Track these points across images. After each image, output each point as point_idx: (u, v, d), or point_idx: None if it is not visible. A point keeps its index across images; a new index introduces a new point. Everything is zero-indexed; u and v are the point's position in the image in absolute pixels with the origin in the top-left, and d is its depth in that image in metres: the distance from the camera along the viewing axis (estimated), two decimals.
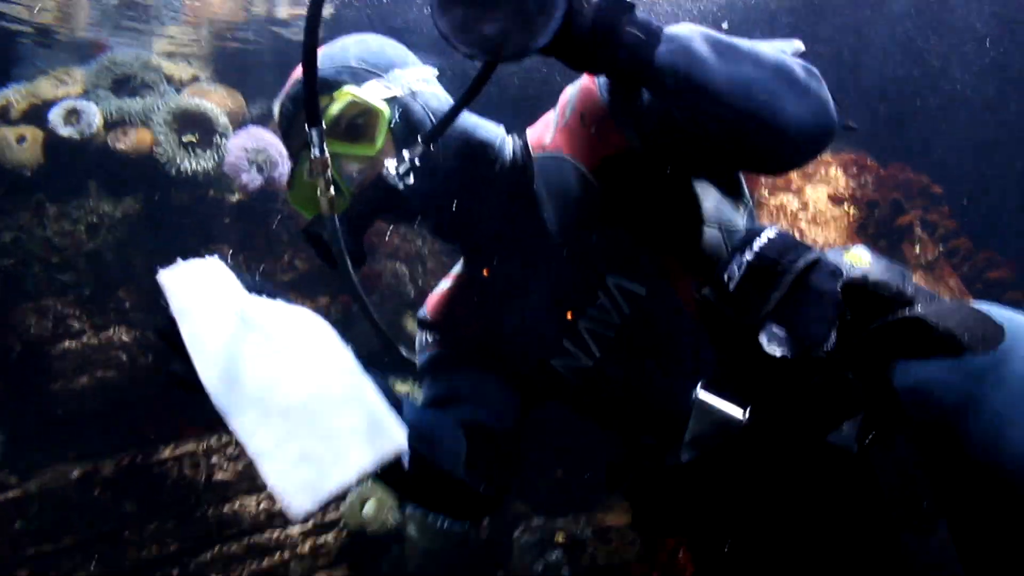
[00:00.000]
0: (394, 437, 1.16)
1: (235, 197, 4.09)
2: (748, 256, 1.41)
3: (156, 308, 1.19)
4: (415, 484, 1.50)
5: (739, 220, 1.57)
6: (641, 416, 1.56)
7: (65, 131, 3.82)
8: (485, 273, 1.65)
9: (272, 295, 1.24)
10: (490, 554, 4.20)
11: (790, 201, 3.84)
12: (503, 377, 1.66)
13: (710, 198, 1.54)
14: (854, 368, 1.31)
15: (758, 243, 1.42)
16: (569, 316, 1.55)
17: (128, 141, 3.89)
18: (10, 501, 3.64)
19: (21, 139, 3.81)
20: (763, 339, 1.34)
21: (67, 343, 3.85)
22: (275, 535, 4.00)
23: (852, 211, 3.89)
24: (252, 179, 3.98)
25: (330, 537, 4.07)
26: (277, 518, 4.04)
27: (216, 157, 3.99)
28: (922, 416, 1.33)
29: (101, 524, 3.73)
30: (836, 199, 3.90)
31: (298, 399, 1.14)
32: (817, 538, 1.43)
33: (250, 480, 4.05)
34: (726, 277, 1.41)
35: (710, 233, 1.51)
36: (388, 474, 1.22)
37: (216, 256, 1.24)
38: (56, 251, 3.83)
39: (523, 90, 3.90)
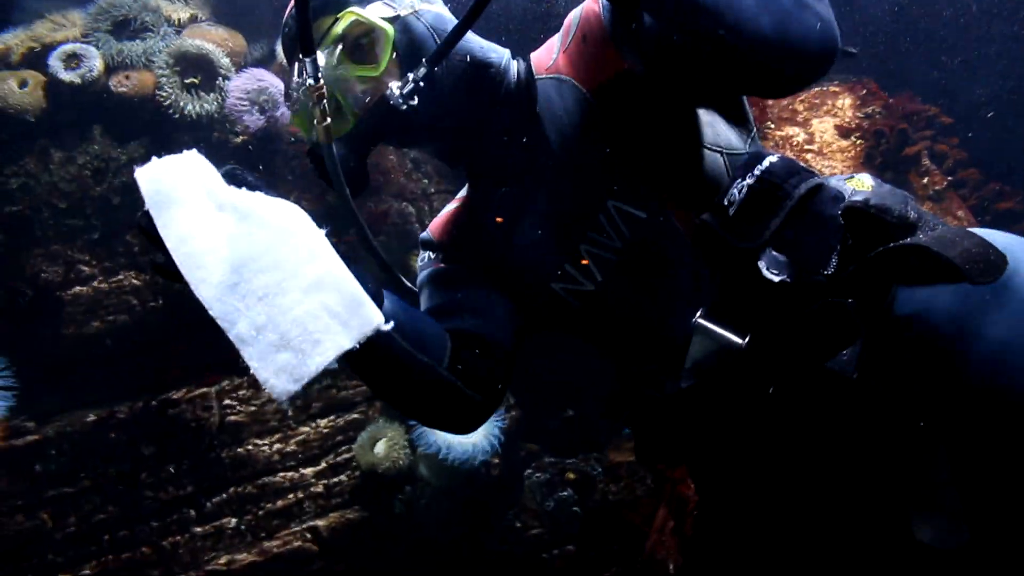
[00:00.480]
0: (370, 317, 1.17)
1: (238, 138, 4.05)
2: (749, 180, 1.39)
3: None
4: (395, 377, 1.47)
5: (743, 146, 1.54)
6: (642, 343, 1.54)
7: (66, 76, 3.79)
8: (488, 196, 1.63)
9: (251, 186, 1.24)
10: (501, 493, 4.23)
11: (796, 133, 3.81)
12: (506, 298, 1.64)
13: (712, 123, 1.52)
14: (854, 294, 1.29)
15: (760, 168, 1.40)
16: (570, 239, 1.52)
17: (130, 84, 3.86)
18: (29, 445, 3.68)
19: (23, 84, 3.79)
20: (762, 264, 1.32)
21: (77, 288, 3.86)
22: (289, 476, 4.02)
23: (859, 142, 3.85)
24: (254, 120, 3.97)
25: (343, 477, 4.08)
26: (290, 459, 4.05)
27: (219, 99, 3.97)
28: (922, 343, 1.30)
29: (118, 466, 3.77)
30: (843, 130, 3.86)
31: (275, 283, 1.15)
32: (817, 463, 1.42)
33: (263, 422, 4.06)
34: (726, 202, 1.39)
35: (711, 158, 1.49)
36: (367, 362, 1.23)
37: (194, 150, 1.26)
38: (63, 196, 3.82)
39: (527, 14, 3.86)
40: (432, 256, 1.73)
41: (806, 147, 3.76)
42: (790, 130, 3.77)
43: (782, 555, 1.58)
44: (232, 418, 4.00)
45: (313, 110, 1.42)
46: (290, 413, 4.11)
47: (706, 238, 1.41)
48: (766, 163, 1.41)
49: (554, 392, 4.54)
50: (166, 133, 3.98)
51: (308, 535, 3.96)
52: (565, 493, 4.21)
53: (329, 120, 1.42)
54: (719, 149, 1.51)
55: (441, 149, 1.63)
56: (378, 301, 1.34)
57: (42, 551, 3.64)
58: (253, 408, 4.06)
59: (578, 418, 4.52)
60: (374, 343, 1.20)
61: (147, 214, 1.20)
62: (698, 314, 1.40)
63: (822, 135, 3.79)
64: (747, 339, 1.36)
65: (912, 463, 1.31)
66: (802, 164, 1.49)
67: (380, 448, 4.03)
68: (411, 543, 4.06)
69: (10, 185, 3.74)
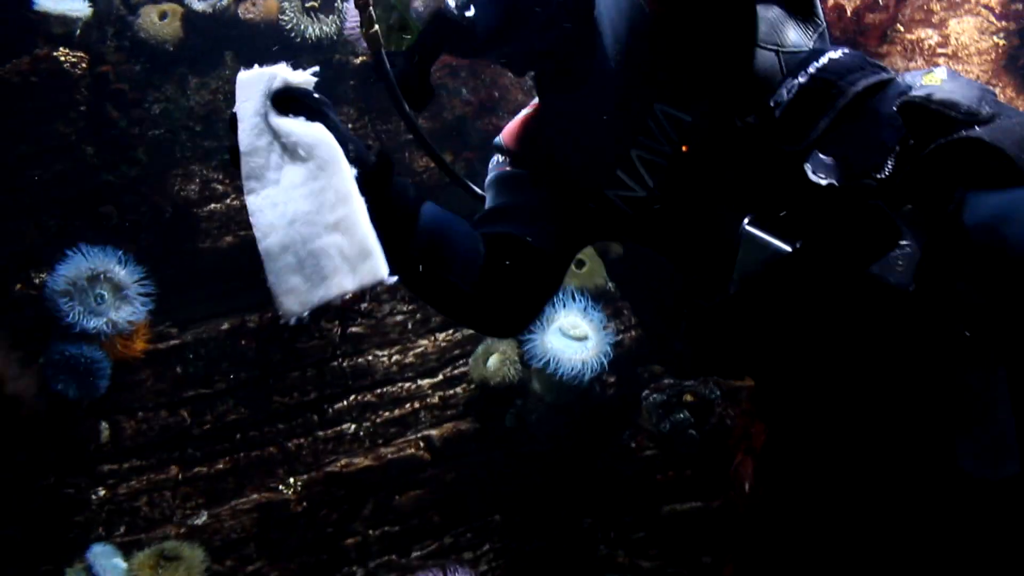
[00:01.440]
0: (376, 270, 1.23)
1: (358, 60, 4.15)
2: (801, 79, 1.33)
3: None
4: (426, 296, 1.58)
5: (805, 44, 1.47)
6: (695, 251, 1.54)
7: (199, 5, 4.04)
8: (551, 103, 1.63)
9: (307, 109, 1.30)
10: (617, 412, 4.21)
11: (928, 36, 3.48)
12: (563, 204, 1.66)
13: (771, 20, 1.46)
14: (910, 198, 1.24)
15: (815, 65, 1.34)
16: (621, 144, 1.51)
17: (256, 11, 4.05)
18: (171, 348, 4.00)
19: (163, 16, 4.06)
20: (808, 168, 1.29)
21: (213, 205, 4.12)
22: (406, 387, 4.17)
23: (1002, 43, 3.48)
24: None
25: (459, 389, 4.19)
26: (408, 370, 4.19)
27: (337, 22, 4.07)
28: (992, 255, 1.20)
29: (249, 371, 4.03)
30: (984, 30, 3.50)
31: (305, 213, 1.23)
32: (865, 376, 1.37)
33: (383, 334, 4.21)
34: (773, 102, 1.34)
35: (764, 56, 1.43)
36: (398, 275, 1.28)
37: (283, 63, 1.34)
38: (199, 119, 4.09)
39: None
40: (501, 160, 1.76)
41: (939, 51, 3.43)
42: (922, 32, 3.45)
43: (832, 471, 1.56)
44: (354, 329, 4.16)
45: (378, 23, 1.46)
46: (410, 326, 4.24)
47: (751, 141, 1.37)
48: (824, 59, 1.35)
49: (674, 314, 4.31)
50: (291, 56, 4.05)
51: (422, 443, 4.09)
52: (682, 415, 4.11)
53: (389, 32, 1.47)
54: (774, 47, 1.44)
55: (503, 58, 1.63)
56: (415, 207, 1.42)
57: (183, 445, 3.95)
58: (374, 321, 4.21)
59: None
60: (401, 271, 1.27)
61: (233, 116, 1.31)
62: (745, 221, 1.36)
63: (958, 36, 3.44)
64: (795, 246, 1.31)
65: (967, 382, 1.23)
66: (873, 60, 1.40)
67: (493, 362, 4.10)
68: (521, 456, 4.13)
69: (153, 110, 4.03)
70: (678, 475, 4.15)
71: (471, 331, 4.22)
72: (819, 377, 1.43)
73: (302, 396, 4.07)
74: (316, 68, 1.34)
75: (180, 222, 4.06)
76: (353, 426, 4.09)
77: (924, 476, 1.40)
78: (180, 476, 3.90)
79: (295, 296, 1.21)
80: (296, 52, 4.11)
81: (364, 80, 4.15)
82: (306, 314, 1.22)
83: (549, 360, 3.93)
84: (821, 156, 1.29)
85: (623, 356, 4.17)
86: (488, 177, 1.78)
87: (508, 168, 1.74)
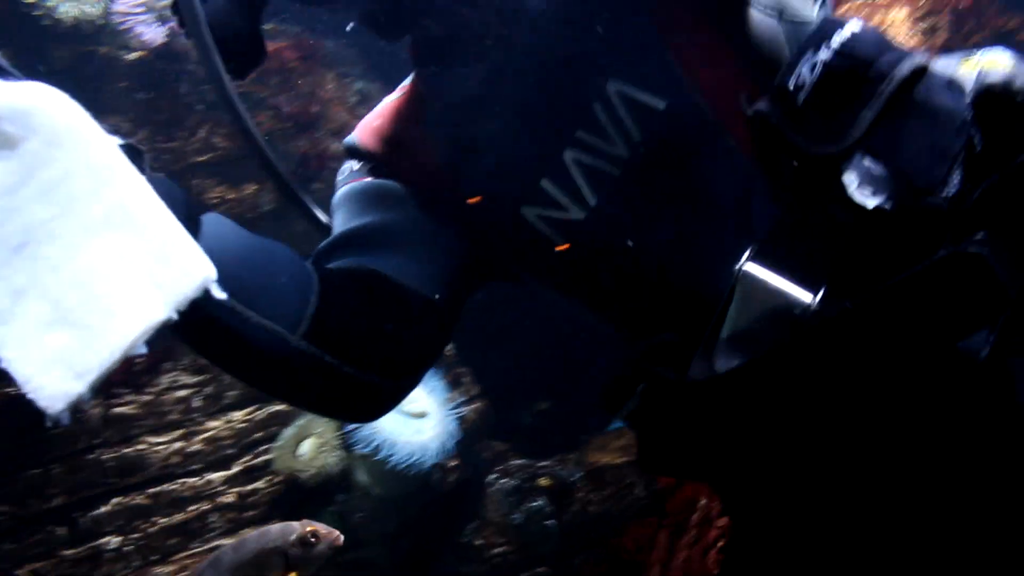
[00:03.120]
0: (193, 268, 0.89)
1: (132, 55, 3.41)
2: (824, 55, 1.13)
3: None
4: (230, 353, 1.21)
5: (808, 10, 1.30)
6: (655, 299, 1.33)
7: None
8: (438, 82, 1.40)
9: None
10: (459, 503, 3.81)
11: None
12: (451, 230, 1.40)
13: None
14: (990, 226, 1.02)
15: (840, 38, 1.14)
16: (551, 143, 1.30)
17: None
18: None
19: None
20: (849, 178, 1.09)
21: None
22: (191, 483, 3.45)
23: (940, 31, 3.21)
24: (152, 32, 3.36)
25: (261, 484, 3.53)
26: (194, 461, 3.47)
27: (104, 1, 3.34)
28: None
29: None
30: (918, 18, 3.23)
31: (40, 224, 0.86)
32: (921, 484, 1.17)
33: (158, 416, 3.46)
34: (792, 84, 1.14)
35: (764, 22, 1.26)
36: (193, 334, 1.01)
37: None
38: None
39: None
40: (357, 168, 1.46)
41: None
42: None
43: None
44: (119, 408, 3.39)
45: None
46: (196, 403, 3.51)
47: (762, 137, 1.16)
48: (846, 32, 1.14)
49: (527, 379, 4.06)
50: (35, 44, 3.30)
51: None
52: (537, 503, 3.74)
53: None
54: (773, 12, 1.26)
55: (369, 12, 1.34)
56: (196, 228, 1.10)
57: None
58: (148, 397, 3.46)
59: (556, 412, 4.05)
60: (197, 306, 0.93)
61: None
62: (744, 256, 1.17)
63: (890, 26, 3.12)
64: (819, 295, 1.13)
65: None
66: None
67: (307, 448, 3.48)
68: (345, 565, 3.53)
69: None
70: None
71: (276, 408, 3.60)
72: (851, 483, 1.21)
73: (43, 503, 3.25)
74: None
75: None
76: (116, 539, 3.32)
77: None
78: None
79: (63, 366, 0.82)
80: (44, 39, 3.30)
81: (141, 81, 3.41)
82: (87, 396, 0.83)
83: (380, 444, 3.40)
84: (867, 162, 1.07)
85: (465, 434, 3.71)
86: (337, 194, 1.45)
87: (368, 178, 1.43)
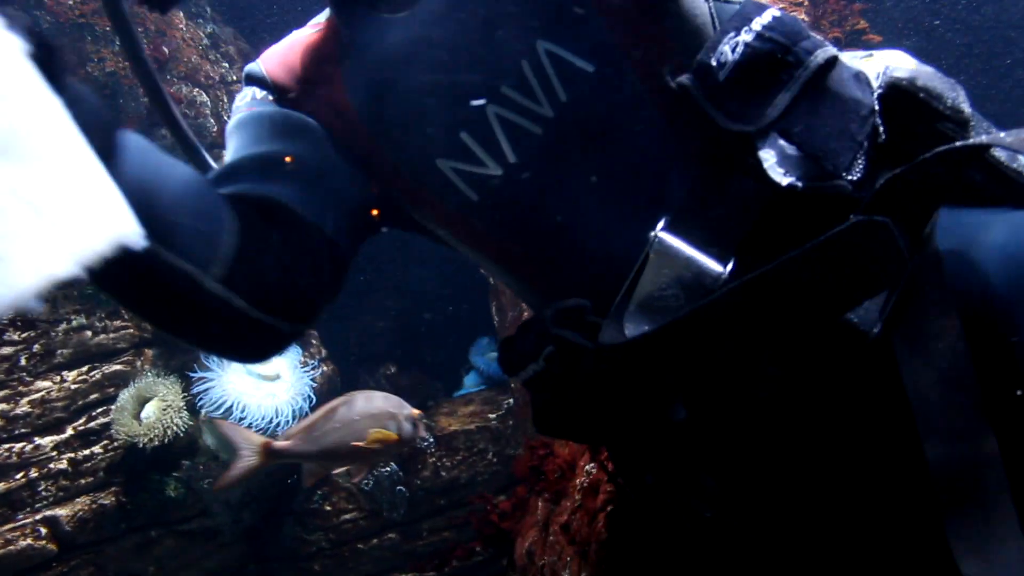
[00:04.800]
0: (113, 224, 0.77)
1: None
2: (747, 36, 1.15)
3: None
4: (137, 293, 1.12)
5: None
6: (568, 262, 1.29)
7: None
8: (360, 23, 1.32)
9: None
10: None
11: None
12: (357, 172, 1.32)
13: None
14: (889, 211, 1.03)
15: (760, 21, 1.17)
16: (473, 94, 1.25)
17: None
18: None
19: None
20: (765, 155, 1.11)
21: None
22: (17, 448, 3.14)
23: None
24: None
25: (97, 449, 3.24)
26: (20, 424, 3.14)
27: None
28: (973, 292, 1.06)
29: None
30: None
31: None
32: (820, 456, 1.18)
33: None
34: (715, 61, 1.16)
35: (693, 2, 1.25)
36: (98, 275, 0.81)
37: None
38: None
39: None
40: (260, 96, 1.35)
41: None
42: None
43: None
44: None
45: None
46: (23, 361, 3.17)
47: (683, 110, 1.16)
48: (767, 16, 1.18)
49: (375, 343, 3.98)
50: None
51: (43, 529, 3.12)
52: (387, 469, 3.66)
53: None
54: None
55: None
56: (112, 127, 0.99)
57: None
58: None
59: (405, 375, 3.98)
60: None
61: None
62: (659, 225, 1.16)
63: None
64: (730, 266, 1.13)
65: (948, 458, 1.05)
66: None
67: (150, 411, 3.20)
68: (189, 535, 3.34)
69: None
70: (383, 542, 3.66)
71: (115, 368, 3.31)
72: (749, 453, 1.21)
73: None
74: None
75: None
76: None
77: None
78: None
79: None
80: None
81: None
82: None
83: (232, 406, 3.23)
84: (783, 142, 1.10)
85: (316, 397, 3.53)
86: (234, 119, 1.34)
87: (272, 106, 1.33)
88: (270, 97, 1.35)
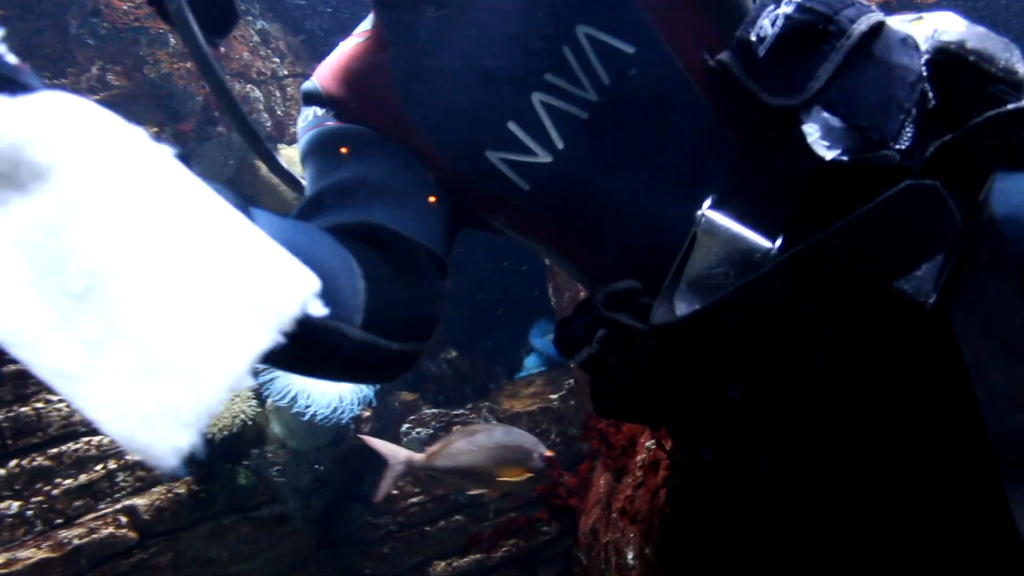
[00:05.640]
0: (298, 283, 0.76)
1: None
2: (786, 8, 1.14)
3: None
4: (302, 365, 1.19)
5: None
6: (619, 245, 1.30)
7: None
8: (404, 24, 1.33)
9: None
10: (373, 455, 3.49)
11: None
12: (431, 178, 1.33)
13: None
14: (942, 180, 1.00)
15: None
16: (519, 85, 1.26)
17: None
18: None
19: None
20: (809, 130, 1.10)
21: None
22: (95, 441, 3.22)
23: None
24: None
25: None
26: None
27: None
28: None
29: None
30: None
31: (102, 264, 0.69)
32: (879, 433, 1.17)
33: None
34: (754, 36, 1.15)
35: None
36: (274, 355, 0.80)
37: None
38: None
39: None
40: (320, 113, 1.37)
41: None
42: None
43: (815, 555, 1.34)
44: (10, 366, 3.11)
45: None
46: None
47: (724, 88, 1.17)
48: None
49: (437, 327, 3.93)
50: None
51: (123, 518, 3.20)
52: None
53: None
54: None
55: None
56: (247, 215, 0.93)
57: None
58: None
59: (465, 360, 4.02)
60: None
61: None
62: (705, 203, 1.16)
63: None
64: (779, 242, 1.12)
65: (1009, 432, 1.02)
66: None
67: None
68: (261, 521, 3.41)
69: None
70: (450, 524, 3.70)
71: None
72: (805, 432, 1.19)
73: None
74: None
75: None
76: (17, 504, 3.08)
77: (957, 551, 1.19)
78: None
79: (163, 418, 0.67)
80: None
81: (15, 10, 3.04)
82: (199, 444, 0.68)
83: (297, 396, 3.28)
84: (826, 115, 1.09)
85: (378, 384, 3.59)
86: (301, 143, 1.37)
87: (334, 122, 1.34)
88: (330, 114, 1.37)
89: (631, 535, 2.37)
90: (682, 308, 1.12)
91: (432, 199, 1.30)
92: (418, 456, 2.72)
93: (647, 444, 2.40)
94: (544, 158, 1.26)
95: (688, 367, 1.16)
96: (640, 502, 2.38)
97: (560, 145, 1.26)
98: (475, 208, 1.35)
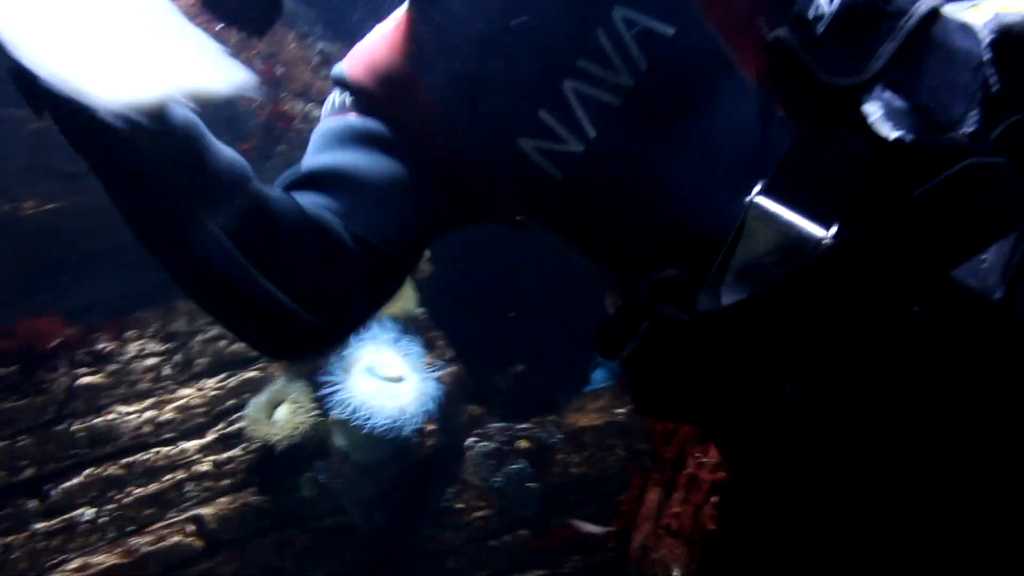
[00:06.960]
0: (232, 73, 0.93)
1: None
2: None
3: None
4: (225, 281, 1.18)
5: None
6: (658, 235, 1.25)
7: None
8: (433, 9, 1.33)
9: None
10: (438, 467, 3.74)
11: None
12: (428, 178, 1.36)
13: None
14: (1008, 161, 0.99)
15: None
16: (549, 70, 1.24)
17: None
18: None
19: None
20: (871, 110, 1.06)
21: None
22: (165, 452, 3.35)
23: None
24: None
25: (237, 451, 3.43)
26: (167, 430, 3.36)
27: None
28: None
29: None
30: None
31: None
32: (947, 436, 1.13)
33: (128, 385, 3.34)
34: (811, 14, 1.11)
35: None
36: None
37: None
38: None
39: None
40: (346, 102, 1.37)
41: None
42: None
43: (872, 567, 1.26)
44: (86, 379, 3.28)
45: None
46: (166, 371, 3.41)
47: (780, 67, 1.13)
48: None
49: (501, 342, 4.00)
50: None
51: (191, 527, 3.32)
52: (517, 466, 3.69)
53: None
54: None
55: None
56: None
57: None
58: (116, 366, 3.35)
59: (531, 374, 3.97)
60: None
61: None
62: (755, 189, 1.12)
63: None
64: (834, 229, 1.07)
65: None
66: None
67: (281, 414, 3.38)
68: (325, 532, 3.49)
69: None
70: (516, 539, 3.69)
71: (248, 375, 3.54)
72: (865, 433, 1.16)
73: (12, 475, 3.15)
74: None
75: None
76: (90, 511, 3.21)
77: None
78: None
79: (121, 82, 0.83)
80: None
81: None
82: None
83: (358, 409, 3.32)
84: (888, 94, 1.05)
85: (442, 397, 3.61)
86: (319, 126, 1.39)
87: (353, 116, 1.36)
88: (348, 102, 1.38)
89: (676, 551, 2.31)
90: (728, 298, 1.10)
91: (413, 199, 1.33)
92: None
93: (696, 456, 2.34)
94: (576, 147, 1.24)
95: (736, 360, 1.13)
96: (686, 517, 2.32)
97: (592, 134, 1.24)
98: (500, 202, 1.36)
